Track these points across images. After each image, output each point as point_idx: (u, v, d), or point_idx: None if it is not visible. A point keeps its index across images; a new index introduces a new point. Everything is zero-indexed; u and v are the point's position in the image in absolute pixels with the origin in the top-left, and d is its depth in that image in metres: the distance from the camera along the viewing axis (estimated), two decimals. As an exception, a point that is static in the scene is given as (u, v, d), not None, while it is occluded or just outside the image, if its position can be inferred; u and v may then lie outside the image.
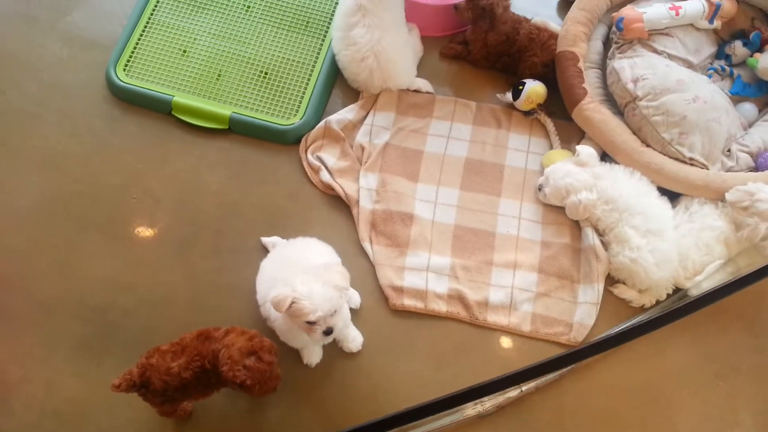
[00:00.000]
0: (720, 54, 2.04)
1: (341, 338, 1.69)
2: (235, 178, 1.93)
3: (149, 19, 2.09)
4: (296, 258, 1.61)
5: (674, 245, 1.77)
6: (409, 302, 1.78)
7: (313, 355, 1.68)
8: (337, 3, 2.12)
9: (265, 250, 1.80)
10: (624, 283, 1.81)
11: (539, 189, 1.91)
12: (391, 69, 1.95)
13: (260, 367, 1.38)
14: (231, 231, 1.85)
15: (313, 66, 2.05)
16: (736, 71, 1.99)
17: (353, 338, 1.70)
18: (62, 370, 1.69)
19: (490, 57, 2.04)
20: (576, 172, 1.83)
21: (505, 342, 1.76)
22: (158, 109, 1.99)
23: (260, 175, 1.94)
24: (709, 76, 1.97)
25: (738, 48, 1.99)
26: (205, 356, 1.43)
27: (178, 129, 1.98)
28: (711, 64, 2.02)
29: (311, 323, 1.42)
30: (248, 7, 2.13)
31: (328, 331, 1.44)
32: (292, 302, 1.38)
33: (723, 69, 2.00)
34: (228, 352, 1.39)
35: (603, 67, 2.03)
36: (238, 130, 1.98)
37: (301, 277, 1.41)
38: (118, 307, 1.76)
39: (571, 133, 2.00)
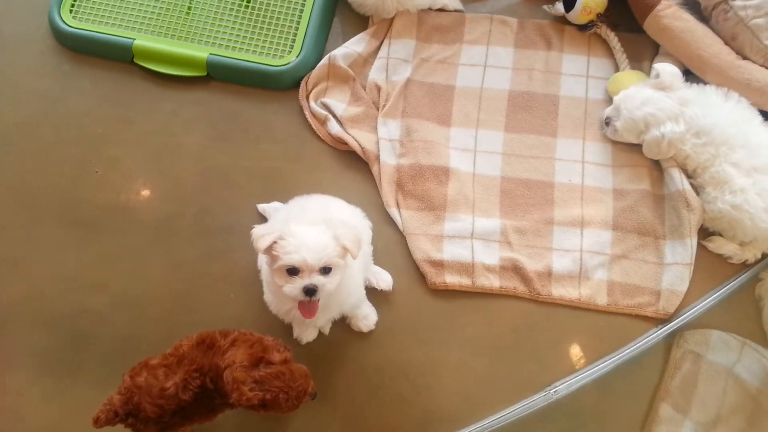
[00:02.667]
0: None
1: (351, 315, 1.34)
2: (219, 137, 1.53)
3: (96, -57, 1.65)
4: (314, 208, 1.28)
5: (788, 183, 1.38)
6: (452, 279, 1.40)
7: (306, 332, 1.34)
8: None
9: (262, 221, 1.43)
10: (721, 235, 1.43)
11: (606, 123, 1.50)
12: None
13: (274, 372, 1.06)
14: (220, 205, 1.47)
15: (308, -13, 1.62)
16: None
17: (365, 315, 1.35)
18: (28, 394, 1.35)
19: None
20: (657, 98, 1.42)
21: (577, 320, 1.40)
22: (117, 57, 1.58)
23: (251, 132, 1.54)
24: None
25: None
26: (206, 372, 1.10)
27: (144, 80, 1.58)
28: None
29: (292, 272, 1.08)
30: None
31: (310, 290, 1.08)
32: (277, 239, 1.08)
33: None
34: (231, 373, 1.05)
35: (676, -40, 1.59)
36: (218, 76, 1.57)
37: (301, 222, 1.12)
38: (88, 311, 1.40)
39: (642, 49, 1.58)
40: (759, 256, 1.42)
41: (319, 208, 1.31)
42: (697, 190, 1.44)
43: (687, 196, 1.41)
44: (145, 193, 1.49)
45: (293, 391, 1.08)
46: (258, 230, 1.11)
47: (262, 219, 1.44)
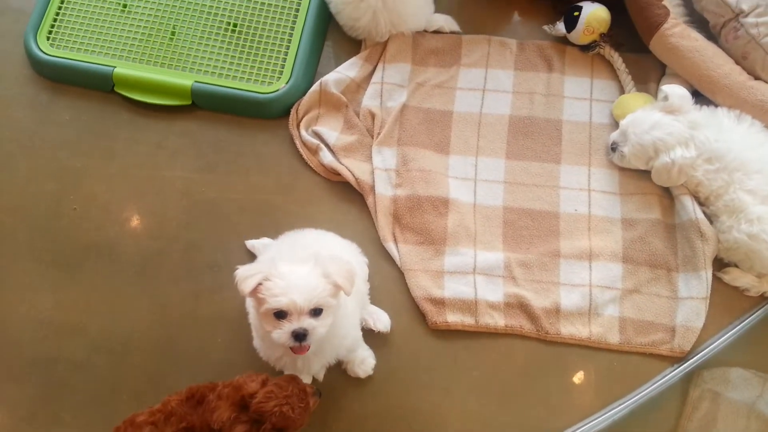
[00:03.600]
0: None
1: (347, 360, 1.25)
2: (206, 170, 1.45)
3: (75, -32, 1.58)
4: (306, 245, 1.20)
5: (808, 210, 1.31)
6: (454, 318, 1.32)
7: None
8: (320, -75, 1.61)
9: (252, 259, 1.35)
10: (737, 266, 1.35)
11: (613, 149, 1.43)
12: (401, 8, 1.45)
13: (262, 398, 1.00)
14: (208, 242, 1.39)
15: (297, 10, 1.54)
16: None
17: (362, 359, 1.26)
18: (0, 452, 1.25)
19: None
20: (666, 122, 1.35)
21: (588, 360, 1.31)
22: (97, 86, 1.50)
23: (240, 163, 1.46)
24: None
25: None
26: (197, 430, 1.02)
27: (126, 110, 1.49)
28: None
29: (280, 316, 0.99)
30: (203, -61, 1.61)
31: (300, 335, 0.99)
32: (262, 280, 0.99)
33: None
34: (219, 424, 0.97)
35: (681, -23, 1.53)
36: (204, 104, 1.49)
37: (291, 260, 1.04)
38: (65, 358, 1.31)
39: (648, 70, 1.51)
40: (778, 288, 1.34)
41: (311, 244, 1.23)
42: (711, 218, 1.36)
43: (700, 226, 1.34)
44: (127, 230, 1.40)
45: (292, 398, 1.02)
46: (242, 271, 1.02)
47: (252, 256, 1.36)
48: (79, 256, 1.38)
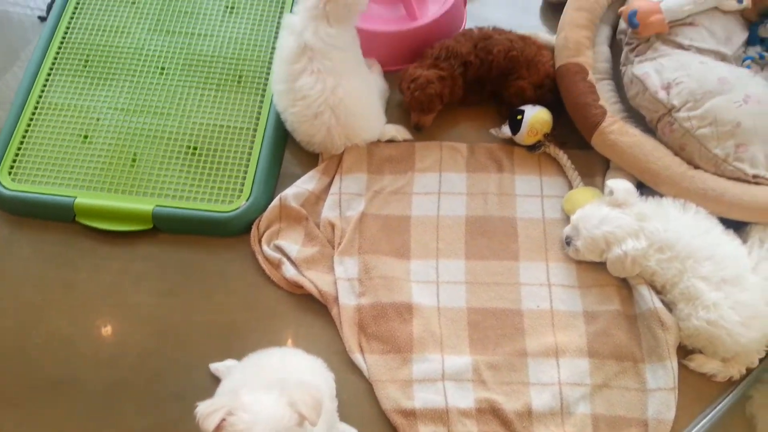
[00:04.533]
0: (752, 39, 1.63)
1: None
2: (170, 293, 1.46)
3: (38, 102, 1.63)
4: (270, 367, 1.18)
5: (760, 292, 1.34)
6: (426, 430, 1.30)
7: None
8: (273, 48, 1.70)
9: (217, 383, 1.33)
10: (701, 353, 1.36)
11: (567, 243, 1.47)
12: (354, 123, 1.51)
13: None
14: (171, 368, 1.37)
15: (255, 130, 1.60)
16: (778, 57, 1.59)
17: None
18: None
19: (473, 90, 1.61)
20: (614, 216, 1.39)
21: (564, 461, 1.29)
22: (58, 217, 1.52)
23: (204, 284, 1.47)
24: (748, 68, 1.56)
25: (776, 28, 1.60)
26: None
27: (87, 239, 1.51)
28: (745, 52, 1.62)
29: None
30: (162, 69, 1.68)
31: None
32: (225, 415, 0.95)
33: (762, 56, 1.59)
34: None
35: (615, 76, 1.62)
36: (166, 228, 1.51)
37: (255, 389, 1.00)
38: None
39: (592, 164, 1.57)
40: (744, 371, 1.35)
41: (276, 365, 1.22)
42: (669, 306, 1.38)
43: (660, 315, 1.36)
44: (91, 362, 1.38)
45: None
46: (203, 408, 0.99)
47: (216, 380, 1.34)
48: (41, 393, 1.35)
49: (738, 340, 1.31)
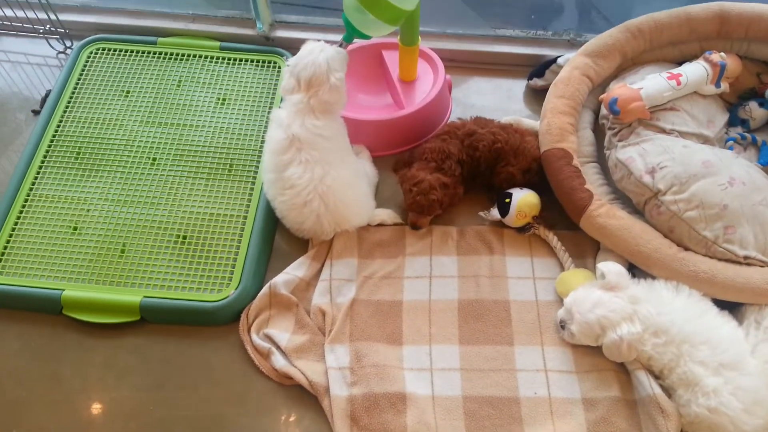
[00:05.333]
0: (733, 120, 1.68)
1: None
2: (155, 387, 1.41)
3: (29, 194, 1.64)
4: None
5: (761, 377, 1.31)
6: None
7: None
8: (263, 137, 1.73)
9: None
10: (704, 439, 1.32)
11: (562, 327, 1.45)
12: (343, 210, 1.52)
13: None
14: (156, 469, 1.32)
15: (245, 218, 1.61)
16: (759, 137, 1.63)
17: None
18: None
19: (467, 181, 1.64)
20: (607, 299, 1.38)
21: None
22: (45, 309, 1.49)
23: (191, 376, 1.43)
24: (731, 149, 1.60)
25: (755, 110, 1.64)
26: None
27: (74, 332, 1.48)
28: (727, 133, 1.65)
29: None
30: (153, 159, 1.70)
31: None
32: None
33: (743, 137, 1.63)
34: None
35: (599, 159, 1.65)
36: (153, 319, 1.49)
37: None
38: None
39: (582, 245, 1.57)
40: (750, 458, 1.30)
41: None
42: (668, 392, 1.35)
43: (659, 402, 1.32)
44: (71, 462, 1.33)
45: None
46: None
47: (203, 482, 1.28)
48: (17, 498, 1.29)
49: (742, 428, 1.26)
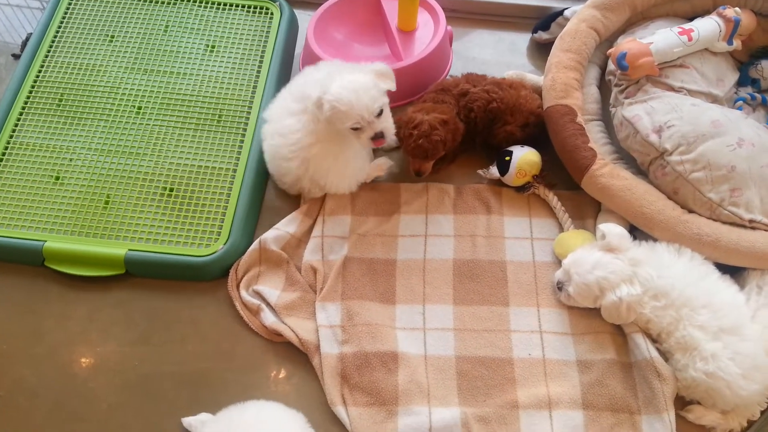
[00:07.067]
0: (743, 80, 1.62)
1: None
2: (141, 341, 1.38)
3: (8, 141, 1.57)
4: (247, 423, 1.15)
5: (760, 342, 1.28)
6: (412, 489, 1.22)
7: None
8: (255, 87, 1.66)
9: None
10: (700, 404, 1.30)
11: (559, 288, 1.41)
12: (320, 179, 1.48)
13: None
14: (141, 424, 1.29)
15: (234, 171, 1.55)
16: (769, 97, 1.57)
17: None
18: None
19: (465, 141, 1.57)
20: (607, 261, 1.34)
21: None
22: (27, 261, 1.44)
23: (176, 331, 1.39)
24: (740, 109, 1.54)
25: (767, 69, 1.58)
26: None
27: (56, 284, 1.43)
28: (736, 93, 1.59)
29: None
30: (139, 108, 1.63)
31: None
32: None
33: (753, 97, 1.57)
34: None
35: (604, 117, 1.59)
36: (138, 272, 1.44)
37: None
38: None
39: (583, 206, 1.53)
40: (745, 424, 1.28)
41: (252, 422, 1.16)
42: (666, 356, 1.32)
43: (656, 365, 1.29)
44: (56, 417, 1.29)
45: None
46: None
47: (189, 438, 1.26)
48: (-1, 452, 1.26)
49: (739, 393, 1.25)
